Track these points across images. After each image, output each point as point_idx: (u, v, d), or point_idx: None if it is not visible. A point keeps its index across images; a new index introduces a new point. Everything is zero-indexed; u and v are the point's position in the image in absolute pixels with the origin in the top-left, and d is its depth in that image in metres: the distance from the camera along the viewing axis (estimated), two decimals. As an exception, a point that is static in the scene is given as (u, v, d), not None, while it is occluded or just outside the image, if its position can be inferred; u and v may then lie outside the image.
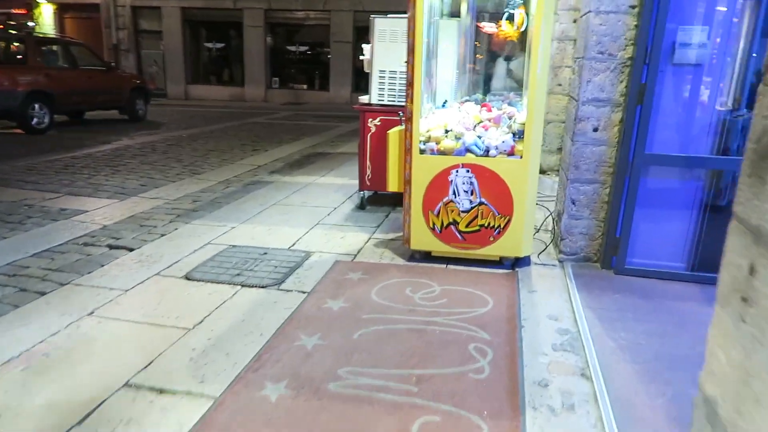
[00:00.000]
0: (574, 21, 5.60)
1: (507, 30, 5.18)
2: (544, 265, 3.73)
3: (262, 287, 3.32)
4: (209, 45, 20.46)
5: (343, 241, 4.18)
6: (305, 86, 19.99)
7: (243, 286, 3.34)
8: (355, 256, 3.87)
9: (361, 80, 17.92)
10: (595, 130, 3.46)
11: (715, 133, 3.34)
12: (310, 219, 4.73)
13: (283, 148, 8.93)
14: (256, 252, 3.91)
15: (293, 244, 4.09)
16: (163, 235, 4.28)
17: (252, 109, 16.30)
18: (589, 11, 3.30)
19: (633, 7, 3.21)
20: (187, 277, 3.46)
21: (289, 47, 20.15)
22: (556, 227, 3.94)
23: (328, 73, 19.31)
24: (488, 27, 5.40)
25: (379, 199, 5.27)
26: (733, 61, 3.26)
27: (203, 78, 20.42)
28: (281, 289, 3.30)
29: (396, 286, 3.33)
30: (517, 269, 3.62)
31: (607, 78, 3.35)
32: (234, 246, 4.03)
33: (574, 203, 3.64)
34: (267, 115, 14.75)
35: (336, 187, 5.99)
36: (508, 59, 5.59)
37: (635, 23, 3.22)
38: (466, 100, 4.47)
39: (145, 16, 19.84)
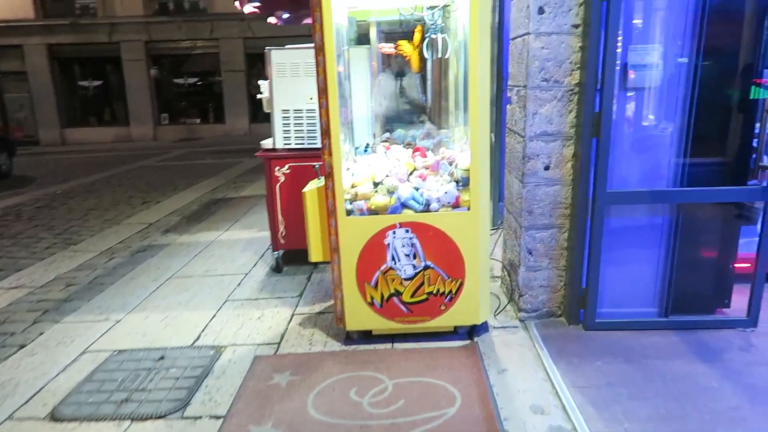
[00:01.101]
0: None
1: (406, 49, 4.71)
2: (505, 327, 3.17)
3: (160, 417, 2.48)
4: (84, 83, 18.58)
5: (261, 323, 3.39)
6: (198, 120, 18.71)
7: (133, 419, 2.47)
8: (279, 344, 3.10)
9: (259, 110, 17.01)
10: (547, 168, 2.98)
11: (677, 162, 2.98)
12: (216, 295, 3.89)
13: (179, 196, 7.89)
14: (149, 357, 3.03)
15: (198, 338, 3.24)
16: (22, 347, 3.26)
17: (140, 150, 14.84)
18: (527, 33, 2.82)
19: (576, 26, 2.77)
20: (54, 417, 2.53)
21: (176, 79, 18.79)
22: (510, 281, 3.41)
23: (223, 104, 18.19)
24: (387, 48, 4.91)
25: (298, 256, 4.51)
26: (685, 81, 2.91)
27: (81, 119, 18.49)
28: (187, 417, 2.48)
29: (337, 388, 2.61)
30: (476, 339, 3.04)
31: (555, 108, 2.89)
32: (120, 351, 3.12)
33: (531, 253, 3.12)
34: (158, 156, 13.43)
35: (244, 243, 5.15)
36: (419, 83, 5.12)
37: (580, 44, 2.78)
38: (388, 139, 3.87)
39: (6, 56, 17.64)
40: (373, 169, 3.08)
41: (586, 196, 2.93)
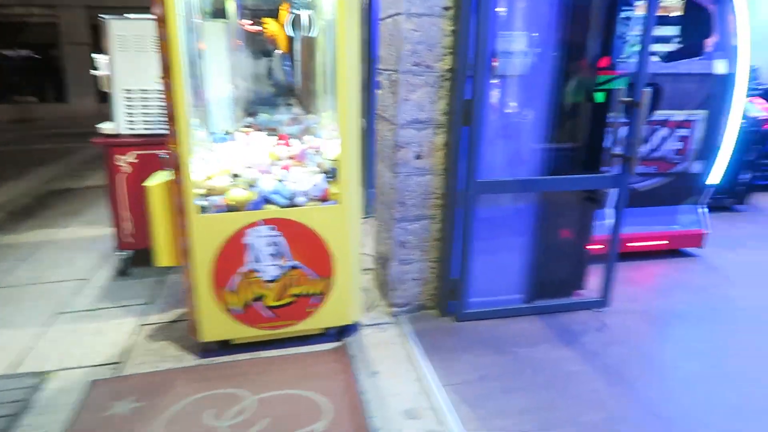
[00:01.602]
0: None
1: (272, 27, 4.39)
2: (377, 325, 3.03)
3: (-46, 474, 1.97)
4: None
5: (101, 339, 2.91)
6: (36, 99, 16.39)
7: None
8: (122, 364, 2.67)
9: (109, 89, 15.29)
10: (418, 157, 2.86)
11: (542, 153, 3.02)
12: (45, 307, 3.29)
13: (7, 187, 6.75)
14: (-55, 393, 2.43)
15: (17, 364, 2.69)
16: None
17: (-41, 133, 12.63)
18: (398, 13, 2.65)
19: (447, 8, 2.65)
20: None
21: (6, 52, 16.26)
22: (383, 275, 3.28)
23: (65, 82, 16.11)
24: (251, 25, 4.54)
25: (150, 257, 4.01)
26: (548, 69, 2.94)
27: None
28: (-8, 470, 1.99)
29: (191, 411, 2.28)
30: (345, 339, 2.85)
31: (427, 95, 2.76)
32: None
33: (403, 246, 3.00)
34: (-19, 139, 11.51)
35: (85, 243, 4.48)
36: (287, 64, 4.79)
37: (451, 28, 2.67)
38: (251, 125, 3.52)
39: None
40: (230, 158, 2.74)
41: (456, 186, 2.86)
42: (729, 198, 5.29)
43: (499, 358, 2.70)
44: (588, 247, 3.34)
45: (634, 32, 3.74)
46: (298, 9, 3.35)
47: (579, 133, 3.19)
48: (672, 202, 4.07)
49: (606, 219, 3.78)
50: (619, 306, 3.25)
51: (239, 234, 2.51)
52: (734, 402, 2.40)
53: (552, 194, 3.14)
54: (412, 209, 2.93)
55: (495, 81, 2.86)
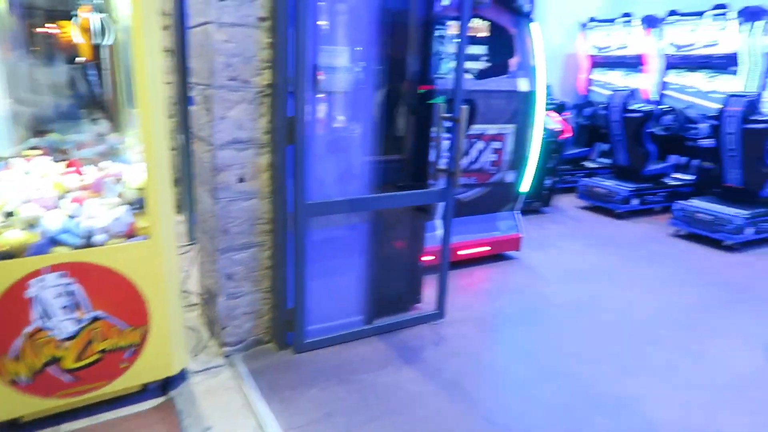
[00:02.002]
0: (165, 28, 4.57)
1: (69, 31, 3.79)
2: (208, 369, 2.70)
3: None
4: None
5: None
6: None
7: None
8: None
9: None
10: (241, 180, 2.60)
11: (371, 170, 2.97)
12: None
13: None
14: None
15: None
16: None
17: None
18: (208, 22, 2.37)
19: (263, 19, 2.44)
20: None
21: None
22: (210, 312, 2.94)
23: None
24: (44, 27, 3.87)
25: None
26: (372, 84, 2.90)
27: None
28: None
29: None
30: (171, 393, 2.48)
31: (245, 112, 2.52)
32: None
33: (230, 279, 2.71)
34: None
35: None
36: (91, 73, 4.17)
37: (269, 40, 2.48)
38: (36, 148, 2.94)
39: None
40: (2, 192, 2.21)
41: (285, 210, 2.66)
42: (536, 202, 5.87)
43: (343, 389, 2.56)
44: (422, 259, 3.38)
45: (449, 50, 3.93)
46: (92, 13, 2.88)
47: (406, 148, 3.22)
48: (492, 210, 4.34)
49: (436, 230, 3.89)
50: (454, 315, 3.33)
51: (18, 287, 2.02)
52: (560, 401, 2.56)
53: (384, 210, 3.11)
54: (238, 237, 2.67)
55: (320, 96, 2.74)
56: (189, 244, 4.18)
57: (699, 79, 6.81)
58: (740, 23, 6.06)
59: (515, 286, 3.93)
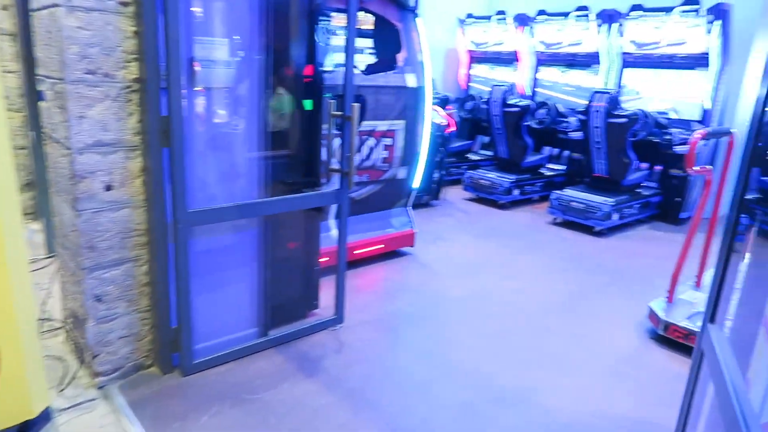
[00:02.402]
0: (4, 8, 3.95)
1: None
2: (78, 405, 2.34)
3: None
4: None
5: None
6: None
7: None
8: None
9: None
10: (109, 188, 2.28)
11: (259, 169, 2.76)
12: None
13: None
14: None
15: None
16: None
17: None
18: (56, 4, 2.02)
19: (125, 4, 2.13)
20: None
21: None
22: (78, 338, 2.56)
23: None
24: None
25: None
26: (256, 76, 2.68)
27: None
28: None
29: None
30: (32, 439, 2.12)
31: (110, 110, 2.20)
32: None
33: (100, 300, 2.38)
34: None
35: None
36: None
37: (134, 28, 2.17)
38: None
39: None
40: None
41: (164, 219, 2.38)
42: (426, 195, 5.95)
43: (240, 412, 2.35)
44: (317, 262, 3.24)
45: (335, 43, 3.79)
46: None
47: (295, 144, 3.06)
48: (385, 207, 4.30)
49: (331, 230, 3.76)
50: (354, 319, 3.23)
51: None
52: (463, 398, 2.56)
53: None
54: (107, 253, 2.34)
55: (198, 90, 2.47)
56: (48, 257, 3.67)
57: (567, 75, 7.32)
58: (599, 24, 6.58)
59: (412, 284, 3.92)
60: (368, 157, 4.04)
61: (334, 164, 2.98)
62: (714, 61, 5.58)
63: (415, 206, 4.92)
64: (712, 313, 1.53)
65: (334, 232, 3.85)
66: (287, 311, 3.10)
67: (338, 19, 3.57)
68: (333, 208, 3.66)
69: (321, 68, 3.05)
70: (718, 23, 5.40)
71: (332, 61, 3.73)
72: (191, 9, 2.33)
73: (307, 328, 3.06)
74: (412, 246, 4.42)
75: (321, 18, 3.33)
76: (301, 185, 3.01)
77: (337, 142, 3.19)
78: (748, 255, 1.60)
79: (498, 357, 2.95)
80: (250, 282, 2.87)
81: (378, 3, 4.07)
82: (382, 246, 4.23)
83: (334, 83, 3.56)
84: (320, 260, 3.25)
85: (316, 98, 3.01)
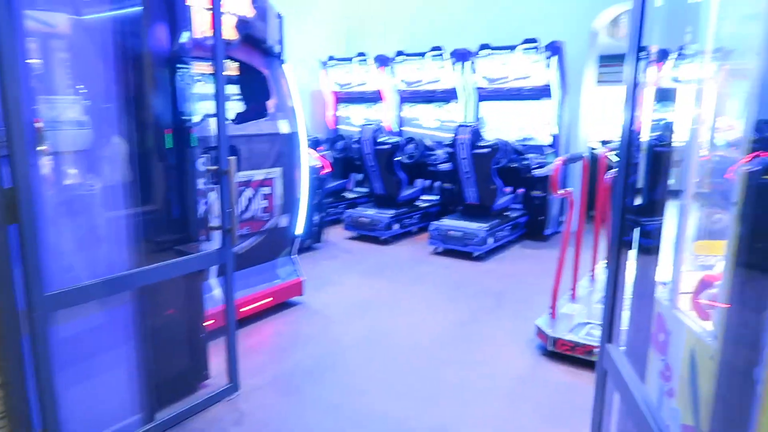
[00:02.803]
0: None
1: None
2: None
3: None
4: None
5: None
6: None
7: None
8: None
9: None
10: (-62, 279, 1.89)
11: (129, 231, 2.48)
12: None
13: None
14: None
15: None
16: None
17: None
18: None
19: (-54, 63, 1.82)
20: None
21: None
22: None
23: None
24: None
25: None
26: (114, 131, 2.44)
27: None
28: None
29: None
30: None
31: (-66, 187, 1.84)
32: None
33: (-64, 417, 1.94)
34: None
35: None
36: None
37: (-40, 91, 1.86)
38: None
39: None
40: None
41: (14, 307, 2.03)
42: (308, 239, 5.83)
43: None
44: (203, 327, 2.98)
45: (199, 91, 3.62)
46: None
47: (167, 203, 2.82)
48: (269, 258, 4.12)
49: (213, 290, 3.52)
50: (250, 383, 3.00)
51: None
52: (378, 450, 2.47)
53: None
54: (-58, 358, 1.92)
55: (47, 153, 2.18)
56: None
57: (428, 111, 7.73)
58: (453, 62, 7.05)
59: (306, 334, 3.76)
60: (247, 208, 3.86)
61: (214, 221, 2.79)
62: (555, 91, 6.23)
63: (299, 251, 4.79)
64: (608, 334, 1.62)
65: (217, 292, 3.61)
66: (175, 387, 2.80)
67: (201, 67, 3.42)
68: (214, 268, 3.43)
69: (187, 120, 2.87)
70: (554, 58, 6.05)
71: (199, 111, 3.54)
72: (31, 64, 2.07)
73: (200, 404, 2.78)
74: (301, 294, 4.27)
75: (182, 66, 3.18)
76: (176, 244, 2.77)
77: (213, 197, 3.00)
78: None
79: (404, 397, 2.90)
80: (127, 363, 2.55)
81: (242, 50, 3.96)
82: (271, 299, 4.03)
83: (204, 135, 3.40)
84: (206, 324, 3.00)
85: (183, 151, 2.82)
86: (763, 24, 1.41)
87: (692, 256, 1.83)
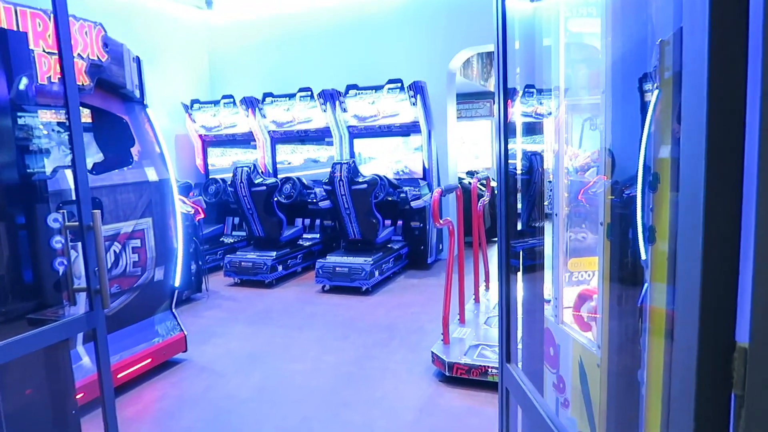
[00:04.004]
0: None
1: None
2: None
3: None
4: None
5: None
6: None
7: None
8: None
9: None
10: None
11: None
12: None
13: None
14: None
15: None
16: None
17: None
18: None
19: None
20: None
21: None
22: None
23: None
24: None
25: None
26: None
27: None
28: None
29: None
30: None
31: None
32: None
33: None
34: None
35: None
36: None
37: None
38: None
39: None
40: None
41: None
42: (186, 290, 5.47)
43: None
44: (74, 402, 2.63)
45: (45, 142, 3.28)
46: None
47: (15, 267, 2.50)
48: (145, 315, 3.78)
49: (82, 359, 3.15)
50: (133, 461, 2.69)
51: None
52: None
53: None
54: None
55: None
56: None
57: (304, 150, 7.74)
58: (322, 103, 7.17)
59: (195, 395, 3.48)
60: (116, 264, 3.53)
61: (78, 283, 2.50)
62: (423, 127, 6.58)
63: (178, 304, 4.46)
64: (507, 354, 1.70)
65: (86, 360, 3.23)
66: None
67: (47, 115, 3.13)
68: (80, 335, 3.07)
69: (33, 172, 2.60)
70: (419, 96, 6.41)
71: (48, 162, 3.20)
72: None
73: (73, 495, 2.42)
74: (185, 351, 3.96)
75: (24, 115, 2.90)
76: (30, 312, 2.45)
77: (73, 255, 2.71)
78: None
79: (309, 449, 2.79)
80: (-21, 462, 2.16)
81: (98, 96, 3.68)
82: (150, 360, 3.68)
83: (57, 188, 3.10)
84: (77, 398, 2.66)
85: (32, 207, 2.54)
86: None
87: (568, 272, 1.99)
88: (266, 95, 7.55)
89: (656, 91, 1.44)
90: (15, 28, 2.93)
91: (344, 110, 6.99)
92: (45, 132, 3.23)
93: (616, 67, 1.62)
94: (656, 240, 1.35)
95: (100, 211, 2.58)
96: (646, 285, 1.47)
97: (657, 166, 1.37)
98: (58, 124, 3.24)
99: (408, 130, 6.73)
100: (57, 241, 2.63)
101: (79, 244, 2.50)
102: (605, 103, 1.69)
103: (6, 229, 2.49)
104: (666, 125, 1.40)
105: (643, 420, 1.35)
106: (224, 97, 7.86)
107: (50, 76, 3.16)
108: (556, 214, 1.93)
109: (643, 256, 1.47)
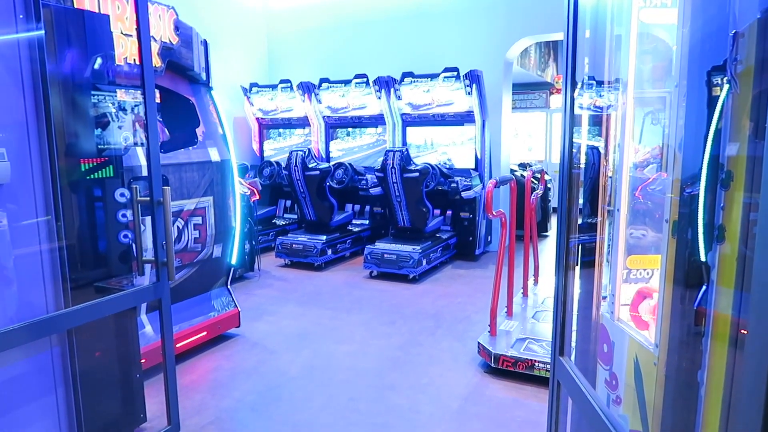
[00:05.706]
0: None
1: None
2: None
3: None
4: None
5: None
6: None
7: None
8: None
9: None
10: None
11: (54, 269, 2.31)
12: None
13: None
14: None
15: None
16: None
17: None
18: None
19: None
20: None
21: None
22: None
23: None
24: None
25: None
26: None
27: None
28: None
29: None
30: None
31: None
32: None
33: None
34: None
35: None
36: None
37: None
38: None
39: None
40: None
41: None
42: (240, 268, 5.66)
43: None
44: (139, 366, 2.80)
45: (123, 119, 3.46)
46: None
47: (91, 236, 2.67)
48: (203, 290, 3.96)
49: (144, 327, 3.34)
50: (191, 424, 2.86)
51: None
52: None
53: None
54: None
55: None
56: None
57: (357, 136, 7.82)
58: (377, 90, 7.20)
59: (247, 368, 3.63)
60: (179, 239, 3.70)
61: (147, 255, 2.65)
62: (477, 117, 6.52)
63: (232, 281, 4.64)
64: (560, 347, 1.70)
65: (149, 329, 3.42)
66: (109, 435, 2.60)
67: (123, 94, 3.29)
68: (145, 304, 3.25)
69: (110, 148, 2.76)
70: (474, 86, 6.35)
71: (123, 139, 3.39)
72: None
73: (136, 452, 2.60)
74: (238, 326, 4.13)
75: (103, 93, 3.08)
76: (102, 280, 2.62)
77: (144, 228, 2.86)
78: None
79: (355, 427, 2.86)
80: (56, 412, 2.34)
81: (167, 78, 3.84)
82: (205, 333, 3.86)
83: (130, 164, 3.26)
84: (140, 362, 2.83)
85: (106, 181, 2.70)
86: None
87: (626, 270, 1.97)
88: (322, 81, 7.64)
89: (726, 86, 1.40)
90: (96, 11, 3.09)
91: (399, 98, 7.01)
92: (117, 110, 3.41)
93: (692, 59, 1.58)
94: (725, 240, 1.32)
95: (169, 187, 2.73)
96: (704, 286, 1.43)
97: (730, 164, 1.34)
98: (131, 103, 3.40)
99: (462, 119, 6.69)
100: (123, 215, 2.79)
101: (147, 218, 2.66)
102: (677, 98, 1.64)
103: (85, 201, 2.66)
104: (739, 121, 1.36)
105: (700, 420, 1.34)
106: (282, 81, 8.01)
107: (126, 57, 3.33)
108: (617, 210, 1.90)
109: (702, 257, 1.44)
